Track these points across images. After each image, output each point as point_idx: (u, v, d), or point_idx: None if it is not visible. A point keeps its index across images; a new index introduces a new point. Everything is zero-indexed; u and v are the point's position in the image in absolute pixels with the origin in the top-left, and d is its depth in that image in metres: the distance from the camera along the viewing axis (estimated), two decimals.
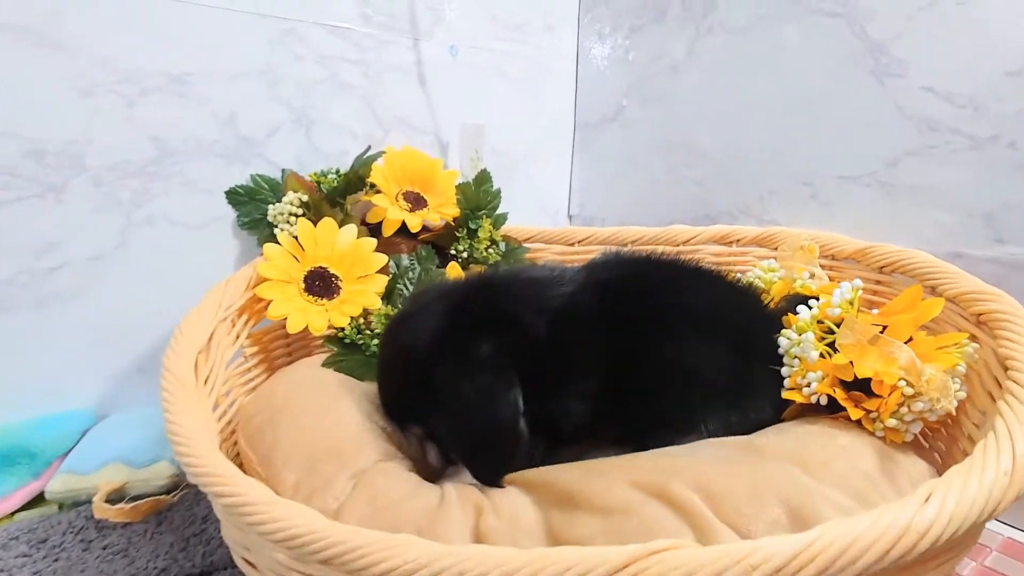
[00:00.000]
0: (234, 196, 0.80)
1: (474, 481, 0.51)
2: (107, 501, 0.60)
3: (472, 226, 0.87)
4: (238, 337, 0.70)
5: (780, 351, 0.57)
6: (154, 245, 0.76)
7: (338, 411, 0.54)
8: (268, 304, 0.74)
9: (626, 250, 0.64)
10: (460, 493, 0.47)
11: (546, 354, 0.53)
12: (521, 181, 1.07)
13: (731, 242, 0.82)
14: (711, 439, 0.51)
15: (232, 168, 0.80)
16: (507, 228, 0.93)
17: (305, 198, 0.79)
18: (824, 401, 0.53)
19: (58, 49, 0.67)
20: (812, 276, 0.68)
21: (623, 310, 0.54)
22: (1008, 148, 0.60)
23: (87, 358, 0.74)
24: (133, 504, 0.59)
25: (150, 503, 0.60)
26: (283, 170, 0.83)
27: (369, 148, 0.82)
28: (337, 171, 0.84)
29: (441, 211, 0.87)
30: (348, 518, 0.46)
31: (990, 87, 0.61)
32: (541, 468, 0.49)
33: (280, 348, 0.78)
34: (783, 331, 0.57)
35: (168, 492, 0.63)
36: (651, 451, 0.49)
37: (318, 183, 0.82)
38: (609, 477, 0.45)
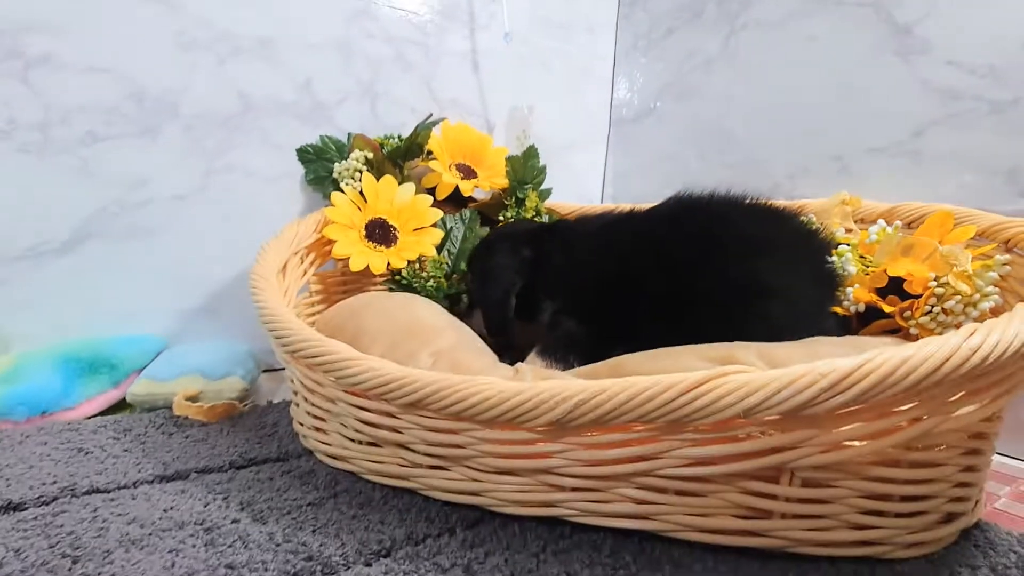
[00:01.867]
0: (304, 154, 0.87)
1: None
2: None
3: (520, 195, 0.93)
4: (305, 273, 0.75)
5: None
6: (231, 191, 0.83)
7: (416, 308, 0.59)
8: (333, 245, 0.80)
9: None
10: (534, 371, 0.51)
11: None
12: (558, 169, 1.13)
13: None
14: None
15: (304, 129, 0.87)
16: (550, 203, 0.99)
17: (370, 156, 0.85)
18: (862, 309, 0.57)
19: (166, 4, 0.75)
20: (849, 231, 0.73)
21: (703, 228, 0.58)
22: None
23: (161, 290, 0.80)
24: (211, 404, 0.63)
25: (225, 406, 0.64)
26: (349, 133, 0.90)
27: (431, 115, 0.89)
28: (399, 136, 0.91)
29: (491, 182, 0.93)
30: None
31: (1009, 56, 0.67)
32: (602, 361, 0.53)
33: (339, 290, 0.83)
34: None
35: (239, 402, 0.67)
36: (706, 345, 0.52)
37: (381, 145, 0.88)
38: (674, 357, 0.49)
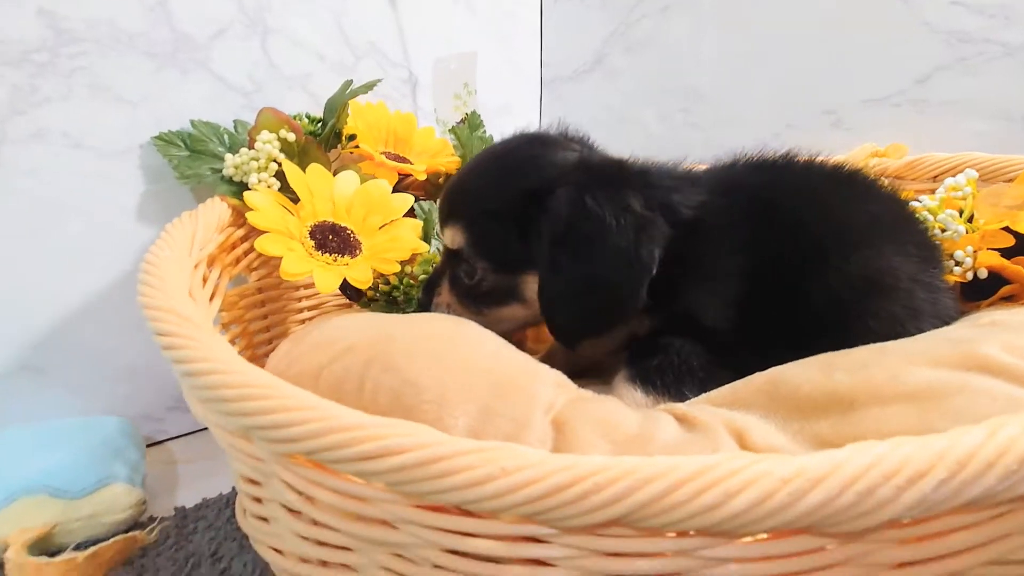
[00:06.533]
0: (166, 144, 0.56)
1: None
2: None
3: None
4: (213, 297, 0.48)
5: None
6: (42, 171, 0.51)
7: (471, 337, 0.37)
8: (247, 257, 0.54)
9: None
10: (721, 419, 0.33)
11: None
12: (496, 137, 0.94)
13: None
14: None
15: (163, 74, 0.57)
16: None
17: (290, 137, 0.57)
18: (984, 275, 0.49)
19: None
20: None
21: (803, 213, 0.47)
22: None
23: None
24: (91, 551, 0.35)
25: (117, 546, 0.36)
26: (235, 121, 0.61)
27: (352, 82, 0.63)
28: (308, 115, 0.64)
29: (437, 164, 0.69)
30: None
31: None
32: (742, 382, 0.38)
33: (257, 317, 0.56)
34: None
35: (128, 531, 0.39)
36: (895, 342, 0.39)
37: None
38: (884, 365, 0.35)
